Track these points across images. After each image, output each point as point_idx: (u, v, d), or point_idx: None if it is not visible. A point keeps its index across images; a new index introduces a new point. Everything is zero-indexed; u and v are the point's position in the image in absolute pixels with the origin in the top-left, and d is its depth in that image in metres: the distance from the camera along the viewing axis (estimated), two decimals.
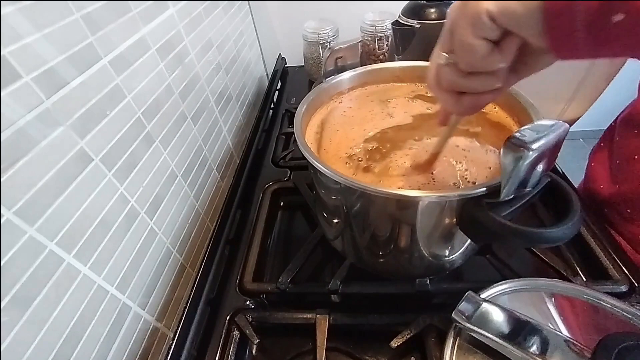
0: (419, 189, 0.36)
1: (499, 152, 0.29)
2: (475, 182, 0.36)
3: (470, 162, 0.38)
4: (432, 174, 0.37)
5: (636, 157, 0.48)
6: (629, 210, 0.50)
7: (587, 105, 0.66)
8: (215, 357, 0.40)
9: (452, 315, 0.33)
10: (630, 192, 0.49)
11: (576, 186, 0.50)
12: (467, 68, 0.26)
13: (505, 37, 0.23)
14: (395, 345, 0.38)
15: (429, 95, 0.49)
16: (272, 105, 0.87)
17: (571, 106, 0.63)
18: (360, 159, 0.40)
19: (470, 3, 0.23)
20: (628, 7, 0.17)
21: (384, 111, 0.46)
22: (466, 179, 0.37)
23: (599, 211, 0.53)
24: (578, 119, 0.67)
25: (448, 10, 0.27)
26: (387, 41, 0.85)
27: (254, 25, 0.94)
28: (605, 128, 0.58)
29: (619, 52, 0.21)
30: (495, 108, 0.45)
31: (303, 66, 0.98)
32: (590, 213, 0.50)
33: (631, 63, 0.44)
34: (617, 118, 0.55)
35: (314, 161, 0.35)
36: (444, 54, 0.27)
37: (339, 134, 0.44)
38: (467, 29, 0.23)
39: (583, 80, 0.61)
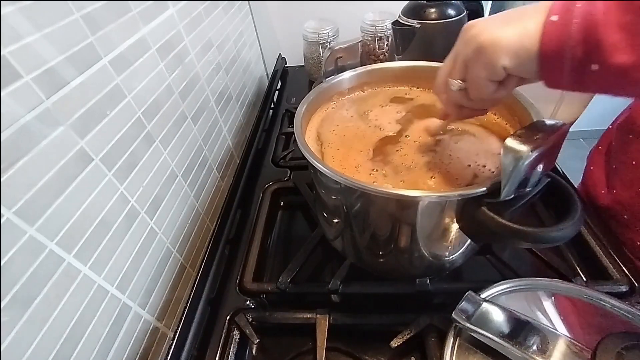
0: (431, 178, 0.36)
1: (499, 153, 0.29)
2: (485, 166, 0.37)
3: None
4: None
5: (633, 162, 0.48)
6: (625, 217, 0.50)
7: (582, 105, 0.66)
8: (215, 357, 0.40)
9: (452, 315, 0.33)
10: (627, 198, 0.49)
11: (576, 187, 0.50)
12: (475, 98, 0.31)
13: (508, 77, 0.28)
14: (395, 345, 0.38)
15: (398, 96, 0.50)
16: (272, 105, 0.87)
17: (563, 107, 0.63)
18: (375, 169, 0.40)
19: (487, 51, 0.27)
20: (600, 60, 0.22)
21: (369, 125, 0.46)
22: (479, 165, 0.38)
23: (597, 216, 0.53)
24: (575, 120, 0.67)
25: (461, 37, 0.30)
26: (387, 41, 0.85)
27: (254, 25, 0.94)
28: (605, 128, 0.58)
29: (595, 90, 0.26)
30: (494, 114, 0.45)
31: (303, 66, 0.98)
32: (590, 214, 0.50)
33: None
34: (614, 122, 0.55)
35: (314, 161, 0.35)
36: (457, 81, 0.31)
37: (340, 152, 0.43)
38: (482, 73, 0.28)
39: None
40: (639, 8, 0.20)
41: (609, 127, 0.57)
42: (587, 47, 0.22)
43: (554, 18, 0.24)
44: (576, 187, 0.57)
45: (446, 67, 0.33)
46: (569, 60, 0.23)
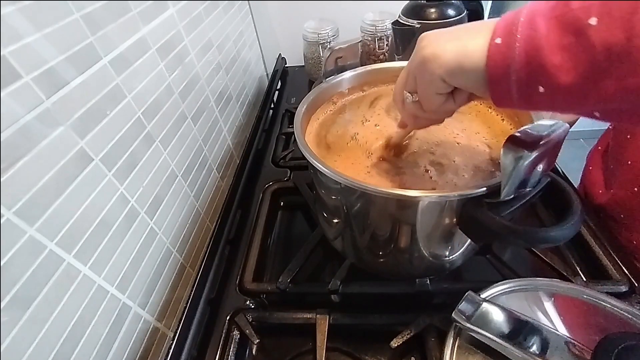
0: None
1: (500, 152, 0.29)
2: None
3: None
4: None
5: (630, 162, 0.48)
6: (622, 216, 0.50)
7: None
8: (215, 357, 0.40)
9: (452, 315, 0.33)
10: (624, 198, 0.49)
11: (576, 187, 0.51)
12: (427, 110, 0.32)
13: (456, 90, 0.29)
14: (395, 345, 0.38)
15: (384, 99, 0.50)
16: (272, 105, 0.87)
17: None
18: (374, 169, 0.40)
19: (428, 65, 0.28)
20: (546, 82, 0.22)
21: (369, 125, 0.45)
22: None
23: (595, 215, 0.53)
24: (575, 121, 0.67)
25: (414, 49, 0.30)
26: (387, 41, 0.85)
27: (254, 25, 0.94)
28: (605, 128, 0.58)
29: (547, 110, 0.26)
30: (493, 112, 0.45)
31: (303, 66, 0.98)
32: (589, 214, 0.50)
33: None
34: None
35: (314, 161, 0.35)
36: (409, 94, 0.32)
37: (340, 152, 0.43)
38: (428, 86, 0.29)
39: None
40: (578, 29, 0.20)
41: (608, 128, 0.57)
42: (531, 70, 0.22)
43: (498, 41, 0.23)
44: (576, 187, 0.57)
45: (401, 78, 0.33)
46: (515, 83, 0.23)
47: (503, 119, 0.44)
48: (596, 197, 0.55)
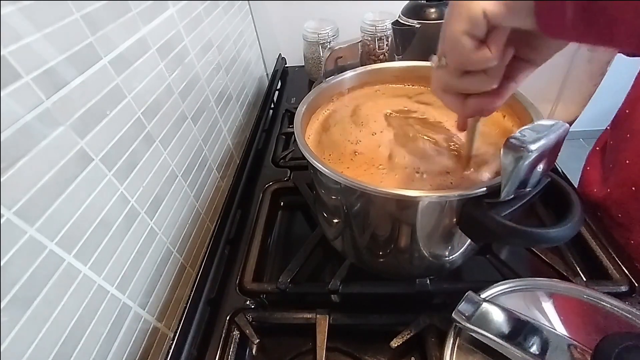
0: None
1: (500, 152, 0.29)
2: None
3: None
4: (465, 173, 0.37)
5: (627, 161, 0.47)
6: (619, 215, 0.49)
7: (580, 105, 0.66)
8: (215, 357, 0.40)
9: (452, 315, 0.33)
10: (621, 197, 0.49)
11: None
12: (457, 67, 0.26)
13: (490, 33, 0.24)
14: (395, 345, 0.38)
15: (398, 96, 0.49)
16: (272, 105, 0.87)
17: (560, 107, 0.64)
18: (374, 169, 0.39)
19: (462, 2, 0.23)
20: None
21: (369, 125, 0.45)
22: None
23: (593, 215, 0.53)
24: (575, 119, 0.67)
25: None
26: (387, 41, 0.85)
27: (254, 25, 0.94)
28: (605, 128, 0.58)
29: (600, 37, 0.21)
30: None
31: (303, 66, 0.98)
32: (588, 213, 0.50)
33: (629, 62, 0.44)
34: (612, 122, 0.55)
35: (314, 161, 0.35)
36: (435, 56, 0.27)
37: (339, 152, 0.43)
38: (456, 26, 0.24)
39: (565, 81, 0.61)
40: None
41: (606, 128, 0.57)
42: None
43: None
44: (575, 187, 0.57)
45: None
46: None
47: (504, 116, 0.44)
48: (591, 195, 0.55)
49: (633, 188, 0.47)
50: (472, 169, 0.37)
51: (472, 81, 0.26)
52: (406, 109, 0.47)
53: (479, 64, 0.25)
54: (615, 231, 0.50)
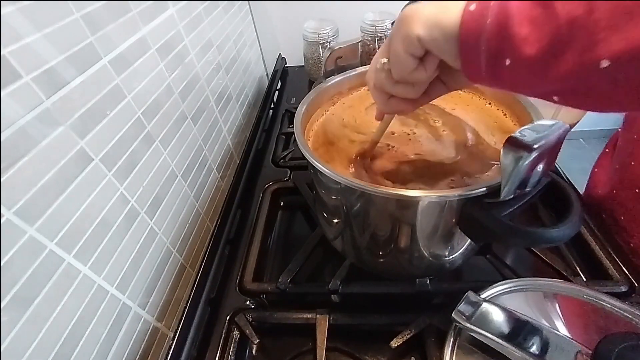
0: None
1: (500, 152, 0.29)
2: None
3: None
4: (370, 161, 0.40)
5: (633, 162, 0.47)
6: (622, 218, 0.49)
7: (582, 110, 0.66)
8: (215, 357, 0.40)
9: (452, 315, 0.33)
10: (625, 199, 0.48)
11: (579, 189, 0.49)
12: (396, 76, 0.30)
13: (427, 56, 0.28)
14: (395, 345, 0.38)
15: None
16: (272, 105, 0.87)
17: (563, 111, 0.63)
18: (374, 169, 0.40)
19: (405, 21, 0.27)
20: (512, 54, 0.22)
21: (368, 125, 0.45)
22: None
23: (598, 217, 0.52)
24: (575, 124, 0.67)
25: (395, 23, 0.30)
26: None
27: (254, 25, 0.94)
28: (605, 128, 0.58)
29: (510, 87, 0.25)
30: (498, 109, 0.45)
31: (303, 66, 0.98)
32: (592, 215, 0.50)
33: None
34: (623, 124, 0.54)
35: (314, 161, 0.35)
36: (383, 59, 0.31)
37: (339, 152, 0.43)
38: (400, 45, 0.28)
39: None
40: (547, 1, 0.21)
41: (617, 129, 0.56)
42: (500, 41, 0.22)
43: (472, 7, 0.24)
44: (576, 187, 0.57)
45: (379, 52, 0.32)
46: (484, 53, 0.23)
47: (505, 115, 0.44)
48: (597, 197, 0.54)
49: (637, 190, 0.46)
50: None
51: (402, 89, 0.31)
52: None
53: (413, 79, 0.30)
54: (618, 234, 0.50)
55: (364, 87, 0.51)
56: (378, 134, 0.40)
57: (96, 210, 0.35)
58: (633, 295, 0.41)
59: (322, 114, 0.48)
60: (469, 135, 0.41)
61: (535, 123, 0.30)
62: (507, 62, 0.23)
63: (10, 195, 0.26)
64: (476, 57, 0.24)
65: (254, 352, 0.42)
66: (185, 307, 0.41)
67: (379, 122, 0.39)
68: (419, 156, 0.40)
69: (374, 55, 0.94)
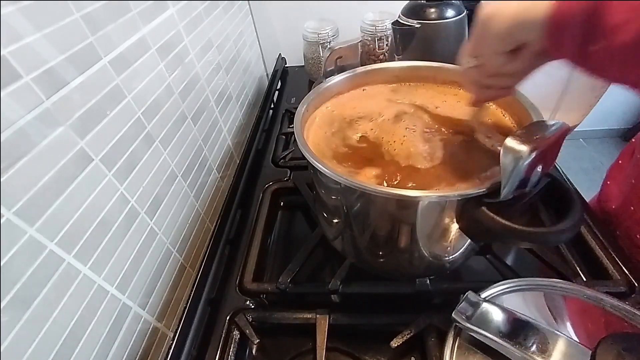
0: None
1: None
2: None
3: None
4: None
5: None
6: (638, 236, 0.46)
7: (580, 114, 0.66)
8: (215, 357, 0.40)
9: (452, 315, 0.33)
10: None
11: (579, 189, 0.48)
12: (491, 72, 0.32)
13: (521, 48, 0.29)
14: (395, 345, 0.38)
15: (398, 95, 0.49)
16: (272, 105, 0.87)
17: (559, 115, 0.63)
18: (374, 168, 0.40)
19: (489, 22, 0.28)
20: (604, 40, 0.23)
21: (368, 125, 0.46)
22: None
23: (611, 233, 0.49)
24: (574, 127, 0.67)
25: (477, 19, 0.31)
26: (387, 41, 0.85)
27: (254, 25, 0.94)
28: (606, 128, 0.58)
29: (598, 74, 0.26)
30: (496, 108, 0.45)
31: (303, 66, 0.98)
32: (605, 233, 0.47)
33: None
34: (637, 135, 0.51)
35: (314, 161, 0.35)
36: (473, 58, 0.32)
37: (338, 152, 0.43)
38: (488, 45, 0.29)
39: (565, 91, 0.61)
40: None
41: (631, 141, 0.54)
42: (592, 25, 0.23)
43: None
44: (580, 189, 0.51)
45: (464, 48, 0.34)
46: (575, 37, 0.24)
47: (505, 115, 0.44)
48: (612, 213, 0.51)
49: None
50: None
51: (497, 80, 0.32)
52: (406, 109, 0.47)
53: (509, 71, 0.31)
54: (631, 252, 0.47)
55: (365, 88, 0.51)
56: (473, 120, 0.42)
57: (96, 211, 0.35)
58: (633, 295, 0.41)
59: (322, 114, 0.48)
60: (468, 136, 0.41)
61: (535, 123, 0.30)
62: (598, 46, 0.23)
63: (10, 195, 0.26)
64: (567, 40, 0.25)
65: (254, 352, 0.42)
66: (185, 307, 0.41)
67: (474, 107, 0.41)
68: (418, 158, 0.40)
69: (374, 55, 0.94)
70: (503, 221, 0.29)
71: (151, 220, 0.44)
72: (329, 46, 0.85)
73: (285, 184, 0.61)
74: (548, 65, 0.30)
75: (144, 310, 0.42)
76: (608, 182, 0.56)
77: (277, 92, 0.91)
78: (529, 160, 0.27)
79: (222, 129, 0.69)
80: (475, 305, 0.33)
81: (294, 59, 1.03)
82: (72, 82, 0.33)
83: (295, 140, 0.39)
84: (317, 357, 0.38)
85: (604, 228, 0.48)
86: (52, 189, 0.30)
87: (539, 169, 0.29)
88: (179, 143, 0.51)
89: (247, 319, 0.42)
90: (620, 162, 0.56)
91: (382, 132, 0.44)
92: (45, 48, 0.30)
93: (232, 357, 0.40)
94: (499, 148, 0.38)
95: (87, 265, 0.33)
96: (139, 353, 0.40)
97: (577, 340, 0.30)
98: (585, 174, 1.74)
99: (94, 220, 0.34)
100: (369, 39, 0.85)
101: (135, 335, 0.40)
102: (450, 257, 0.41)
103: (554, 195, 0.32)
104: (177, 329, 0.39)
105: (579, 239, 0.47)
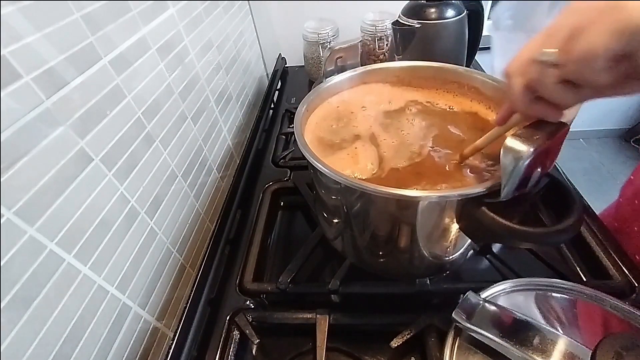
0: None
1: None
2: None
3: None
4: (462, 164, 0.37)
5: None
6: None
7: (573, 108, 0.66)
8: (215, 357, 0.40)
9: (452, 315, 0.33)
10: None
11: (579, 189, 0.46)
12: (572, 75, 0.24)
13: (621, 60, 0.23)
14: (395, 345, 0.38)
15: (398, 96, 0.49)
16: (272, 105, 0.87)
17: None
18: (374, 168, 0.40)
19: (615, 11, 0.21)
20: None
21: (368, 125, 0.46)
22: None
23: (630, 257, 0.44)
24: (572, 120, 0.67)
25: (565, 10, 0.25)
26: (387, 41, 0.85)
27: (254, 25, 0.94)
28: (606, 128, 0.58)
29: None
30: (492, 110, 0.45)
31: (303, 66, 0.98)
32: (625, 260, 0.45)
33: None
34: None
35: (314, 161, 0.35)
36: (553, 51, 0.24)
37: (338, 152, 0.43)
38: (603, 39, 0.22)
39: None
40: None
41: None
42: None
43: None
44: (580, 189, 0.48)
45: (533, 43, 0.26)
46: None
47: None
48: (630, 234, 0.47)
49: None
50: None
51: (562, 91, 0.25)
52: (405, 109, 0.47)
53: (592, 81, 0.24)
54: None
55: (364, 87, 0.51)
56: (485, 140, 0.35)
57: (96, 210, 0.35)
58: (633, 295, 0.41)
59: (322, 114, 0.48)
60: (466, 136, 0.41)
61: (535, 123, 0.30)
62: None
63: (10, 195, 0.26)
64: None
65: (254, 352, 0.42)
66: (185, 307, 0.41)
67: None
68: (417, 158, 0.40)
69: (374, 55, 0.94)
70: (503, 221, 0.29)
71: (151, 220, 0.44)
72: (329, 46, 0.85)
73: (285, 184, 0.61)
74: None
75: (144, 310, 0.42)
76: (620, 200, 0.54)
77: (277, 92, 0.91)
78: (529, 160, 0.27)
79: (222, 129, 0.69)
80: (475, 305, 0.33)
81: (294, 59, 1.03)
82: (72, 82, 0.33)
83: (295, 140, 0.39)
84: (317, 357, 0.38)
85: (604, 228, 0.48)
86: (52, 189, 0.30)
87: (539, 168, 0.29)
88: (179, 143, 0.51)
89: (247, 318, 0.42)
90: (632, 177, 0.53)
91: (379, 130, 0.44)
92: (45, 48, 0.30)
93: (232, 357, 0.40)
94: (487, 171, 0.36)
95: (87, 265, 0.33)
96: (139, 353, 0.40)
97: (577, 340, 0.30)
98: (585, 174, 1.73)
99: (94, 220, 0.34)
100: (369, 39, 0.85)
101: (135, 335, 0.40)
102: (450, 257, 0.41)
103: (554, 195, 0.32)
104: (177, 329, 0.39)
105: (579, 239, 0.47)
